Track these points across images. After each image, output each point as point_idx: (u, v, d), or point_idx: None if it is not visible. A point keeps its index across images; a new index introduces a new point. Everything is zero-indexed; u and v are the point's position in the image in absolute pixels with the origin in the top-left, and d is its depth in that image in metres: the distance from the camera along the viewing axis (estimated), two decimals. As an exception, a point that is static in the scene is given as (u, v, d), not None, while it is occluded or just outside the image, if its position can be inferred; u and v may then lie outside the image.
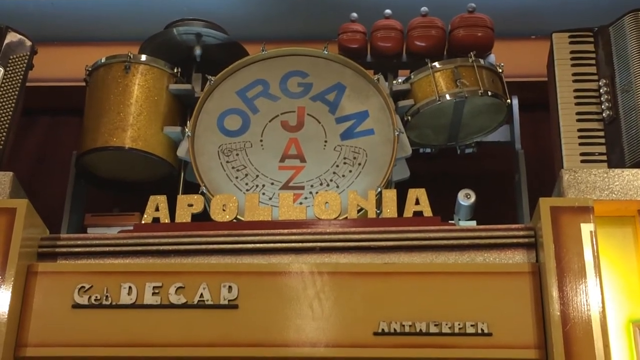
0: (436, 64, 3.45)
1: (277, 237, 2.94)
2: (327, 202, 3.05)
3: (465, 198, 3.15)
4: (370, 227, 2.95)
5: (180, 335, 2.77)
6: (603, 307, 2.65)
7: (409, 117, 3.42)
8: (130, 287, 2.83)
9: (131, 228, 3.07)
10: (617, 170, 2.93)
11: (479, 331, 2.72)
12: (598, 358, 2.58)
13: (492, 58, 3.59)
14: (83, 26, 4.18)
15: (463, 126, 3.51)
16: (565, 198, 2.87)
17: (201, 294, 2.81)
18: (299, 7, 4.06)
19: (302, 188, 3.25)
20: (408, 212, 3.01)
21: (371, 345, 2.73)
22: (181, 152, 3.37)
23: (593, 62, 3.31)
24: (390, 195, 3.05)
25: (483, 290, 2.77)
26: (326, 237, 2.93)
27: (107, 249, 2.95)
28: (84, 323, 2.79)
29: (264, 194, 3.23)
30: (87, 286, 2.83)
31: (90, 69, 3.53)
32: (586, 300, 2.65)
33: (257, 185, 3.26)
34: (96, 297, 2.82)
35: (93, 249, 2.95)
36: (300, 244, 2.92)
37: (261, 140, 3.37)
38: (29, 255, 2.88)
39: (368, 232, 2.93)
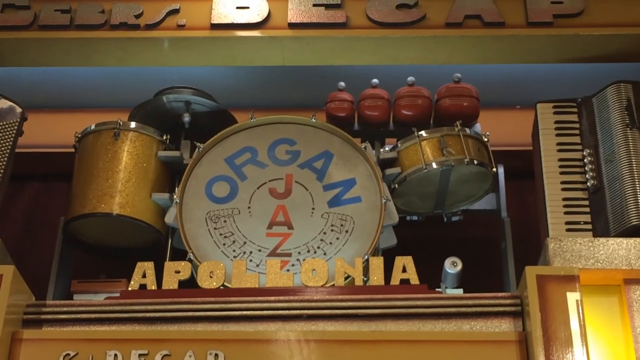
0: (423, 132, 3.49)
1: (264, 305, 2.93)
2: (314, 270, 3.05)
3: (452, 266, 3.16)
4: (357, 295, 2.95)
5: (166, 403, 2.75)
6: (590, 376, 2.65)
7: (396, 185, 3.44)
8: (115, 355, 2.80)
9: (118, 295, 3.06)
10: (602, 239, 2.95)
11: (466, 400, 2.71)
12: None
13: (477, 127, 3.63)
14: (73, 93, 4.22)
15: (449, 194, 3.54)
16: (551, 267, 2.88)
17: (187, 362, 2.79)
18: (287, 75, 4.11)
19: (290, 255, 3.25)
20: (395, 280, 3.01)
21: (358, 414, 2.71)
22: (169, 218, 3.37)
23: (577, 132, 3.35)
24: (377, 263, 3.05)
25: (470, 359, 2.76)
26: (313, 304, 2.93)
27: (93, 315, 2.93)
28: (68, 391, 2.77)
29: (251, 260, 3.23)
30: (72, 354, 2.81)
31: (79, 135, 3.55)
32: (573, 369, 2.65)
33: (244, 252, 3.26)
34: (81, 364, 2.80)
35: (79, 315, 2.94)
36: (287, 312, 2.91)
37: (249, 207, 3.38)
38: (14, 322, 2.86)
39: (355, 299, 2.93)
